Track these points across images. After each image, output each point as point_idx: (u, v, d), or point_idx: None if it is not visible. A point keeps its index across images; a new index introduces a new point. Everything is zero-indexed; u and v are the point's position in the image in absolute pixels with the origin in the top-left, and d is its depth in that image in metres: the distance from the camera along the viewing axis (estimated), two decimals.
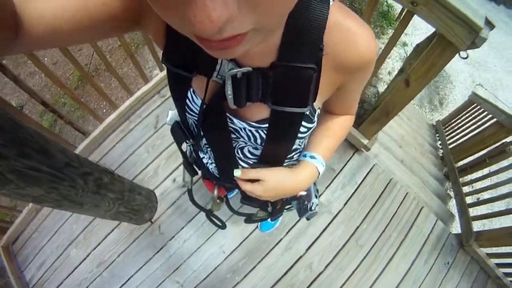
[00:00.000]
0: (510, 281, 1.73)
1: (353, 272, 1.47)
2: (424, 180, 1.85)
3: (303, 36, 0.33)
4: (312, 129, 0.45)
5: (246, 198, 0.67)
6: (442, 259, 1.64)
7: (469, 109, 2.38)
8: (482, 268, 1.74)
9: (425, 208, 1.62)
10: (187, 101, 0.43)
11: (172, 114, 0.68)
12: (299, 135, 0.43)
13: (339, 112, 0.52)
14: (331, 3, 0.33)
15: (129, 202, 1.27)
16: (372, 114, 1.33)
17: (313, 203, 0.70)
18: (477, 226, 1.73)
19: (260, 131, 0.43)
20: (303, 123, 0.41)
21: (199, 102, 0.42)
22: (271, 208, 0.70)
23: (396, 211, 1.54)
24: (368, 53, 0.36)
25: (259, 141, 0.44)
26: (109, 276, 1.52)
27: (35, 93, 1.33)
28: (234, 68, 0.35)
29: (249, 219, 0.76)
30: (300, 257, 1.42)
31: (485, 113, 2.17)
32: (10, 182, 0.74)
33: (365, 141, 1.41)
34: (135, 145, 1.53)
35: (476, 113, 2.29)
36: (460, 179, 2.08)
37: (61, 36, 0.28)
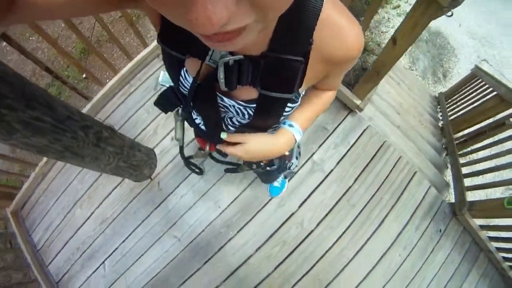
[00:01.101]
0: (503, 257, 1.74)
1: (344, 232, 1.51)
2: (420, 147, 1.86)
3: (295, 30, 0.35)
4: (295, 107, 0.48)
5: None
6: (434, 226, 1.66)
7: (471, 82, 2.36)
8: (474, 240, 1.75)
9: (419, 173, 1.64)
10: (180, 77, 0.45)
11: (164, 75, 0.70)
12: (284, 113, 0.47)
13: (323, 88, 0.55)
14: None
15: (129, 157, 1.34)
16: (364, 74, 1.35)
17: (292, 163, 0.74)
18: (471, 198, 1.73)
19: (248, 109, 0.46)
20: (289, 104, 0.44)
21: (191, 79, 0.44)
22: (255, 166, 0.75)
23: (388, 174, 1.57)
24: (356, 49, 0.38)
25: (246, 116, 0.47)
26: (111, 232, 1.61)
27: (40, 61, 1.39)
28: (226, 55, 0.37)
29: (233, 169, 0.80)
30: (292, 214, 1.47)
31: (486, 86, 2.15)
32: (17, 131, 0.81)
33: (358, 102, 1.43)
34: (135, 107, 1.59)
35: (478, 86, 2.27)
36: (459, 152, 2.08)
37: (57, 8, 0.27)
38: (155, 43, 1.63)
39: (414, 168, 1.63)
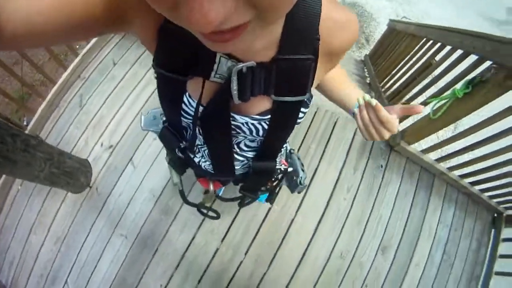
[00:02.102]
0: (459, 175, 1.73)
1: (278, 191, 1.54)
2: None
3: (302, 30, 0.35)
4: (305, 115, 0.48)
5: (245, 189, 0.72)
6: (373, 163, 1.68)
7: (389, 36, 2.49)
8: (422, 167, 1.75)
9: (341, 118, 1.69)
10: (183, 105, 0.43)
11: (145, 119, 0.71)
12: (298, 121, 0.45)
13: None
14: None
15: (60, 163, 1.43)
16: None
17: (301, 177, 0.76)
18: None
19: (262, 123, 0.44)
20: (301, 109, 0.43)
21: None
22: (265, 189, 0.75)
23: (310, 124, 1.63)
24: (355, 37, 0.40)
25: (261, 132, 0.45)
26: (65, 249, 1.64)
27: None
28: (235, 65, 0.36)
29: (242, 203, 0.82)
30: None
31: (401, 32, 2.27)
32: None
33: None
34: (66, 126, 1.71)
35: (395, 36, 2.40)
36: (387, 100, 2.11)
37: (39, 36, 0.27)
38: (74, 63, 1.79)
39: (336, 115, 1.69)
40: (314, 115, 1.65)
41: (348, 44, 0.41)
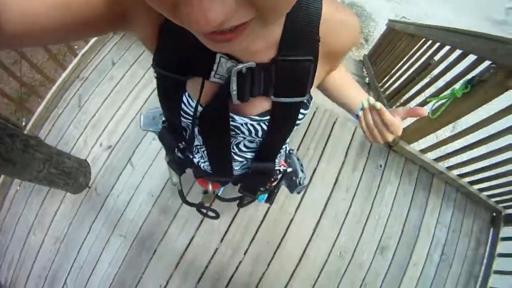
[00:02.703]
0: (458, 175, 1.73)
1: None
2: None
3: (302, 31, 0.35)
4: (305, 116, 0.47)
5: (244, 189, 0.72)
6: (372, 163, 1.69)
7: (388, 35, 2.49)
8: (421, 167, 1.75)
9: (340, 119, 1.69)
10: (183, 105, 0.43)
11: (145, 118, 0.71)
12: (297, 122, 0.45)
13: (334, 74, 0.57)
14: None
15: (59, 163, 1.43)
16: None
17: (300, 178, 0.76)
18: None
19: (261, 124, 0.44)
20: (301, 110, 0.43)
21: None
22: (264, 189, 0.75)
23: (309, 124, 1.63)
24: (356, 39, 0.40)
25: (260, 133, 0.45)
26: (65, 249, 1.64)
27: None
28: (234, 65, 0.36)
29: (241, 203, 0.82)
30: None
31: (400, 32, 2.27)
32: None
33: None
34: (65, 126, 1.70)
35: (394, 37, 2.40)
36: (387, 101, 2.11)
37: (39, 34, 0.27)
38: (73, 63, 1.78)
39: (334, 115, 1.69)
40: (314, 114, 1.65)
41: (349, 46, 0.40)
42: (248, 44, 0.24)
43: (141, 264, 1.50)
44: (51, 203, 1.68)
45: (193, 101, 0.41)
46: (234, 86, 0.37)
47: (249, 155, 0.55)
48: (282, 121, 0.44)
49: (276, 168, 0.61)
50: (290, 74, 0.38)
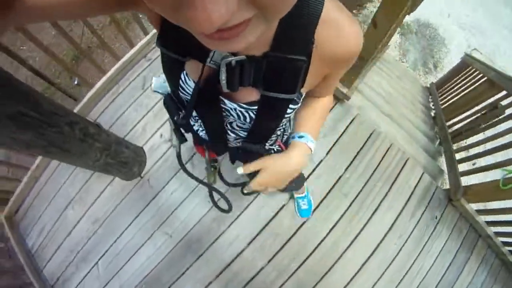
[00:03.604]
0: (502, 242, 1.70)
1: (337, 222, 1.49)
2: (412, 135, 1.85)
3: (297, 30, 0.35)
4: (296, 109, 0.48)
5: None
6: (429, 213, 1.64)
7: (462, 70, 2.36)
8: (472, 226, 1.72)
9: (411, 160, 1.62)
10: (180, 82, 0.45)
11: (156, 81, 0.70)
12: (285, 115, 0.46)
13: (321, 95, 0.56)
14: None
15: (117, 153, 1.34)
16: None
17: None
18: (465, 182, 1.70)
19: (250, 112, 0.45)
20: (290, 105, 0.44)
21: (191, 83, 0.44)
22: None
23: (380, 161, 1.56)
24: (356, 48, 0.39)
25: (248, 120, 0.47)
26: (103, 232, 1.60)
27: (26, 61, 1.39)
28: (228, 56, 0.36)
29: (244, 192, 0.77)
30: (284, 205, 1.46)
31: (477, 72, 2.14)
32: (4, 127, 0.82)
33: (345, 90, 1.43)
34: (124, 106, 1.60)
35: (469, 74, 2.27)
36: (453, 143, 2.04)
37: (53, 10, 0.27)
38: (141, 43, 1.65)
39: (406, 155, 1.61)
40: (387, 151, 1.57)
41: (344, 55, 0.39)
42: (248, 45, 0.24)
43: (182, 265, 1.47)
44: (97, 182, 1.62)
45: (189, 80, 0.43)
46: (223, 76, 0.37)
47: (242, 134, 0.56)
48: (269, 112, 0.46)
49: (269, 148, 0.64)
50: (280, 70, 0.38)
